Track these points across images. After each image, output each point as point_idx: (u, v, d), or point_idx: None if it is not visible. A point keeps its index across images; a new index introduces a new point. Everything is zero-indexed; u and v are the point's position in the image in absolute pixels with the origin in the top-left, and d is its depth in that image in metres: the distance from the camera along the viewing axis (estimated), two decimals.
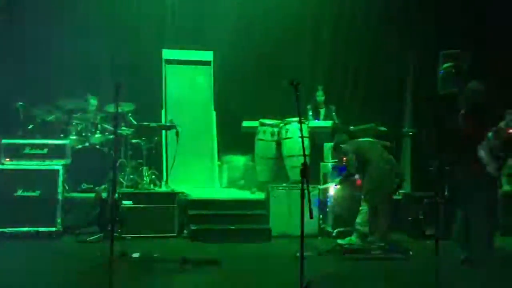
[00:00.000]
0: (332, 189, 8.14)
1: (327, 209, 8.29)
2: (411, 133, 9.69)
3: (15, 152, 7.76)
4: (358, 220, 7.49)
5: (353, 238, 7.48)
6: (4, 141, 7.79)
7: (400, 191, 8.48)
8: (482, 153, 6.27)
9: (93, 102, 9.26)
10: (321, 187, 8.21)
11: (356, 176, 7.83)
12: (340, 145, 7.82)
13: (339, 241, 7.53)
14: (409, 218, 8.54)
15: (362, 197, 7.51)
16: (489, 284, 5.85)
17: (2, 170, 7.63)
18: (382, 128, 9.09)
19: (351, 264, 6.63)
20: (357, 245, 7.30)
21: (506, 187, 9.04)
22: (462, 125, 6.31)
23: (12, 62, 9.45)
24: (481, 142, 6.30)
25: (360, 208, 7.50)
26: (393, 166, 7.62)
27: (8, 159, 7.72)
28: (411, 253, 6.85)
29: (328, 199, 8.26)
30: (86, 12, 10.12)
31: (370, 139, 7.94)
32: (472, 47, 9.35)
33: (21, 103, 8.58)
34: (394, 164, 7.73)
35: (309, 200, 4.30)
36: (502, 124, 6.28)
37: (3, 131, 8.48)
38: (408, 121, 10.76)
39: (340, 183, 8.03)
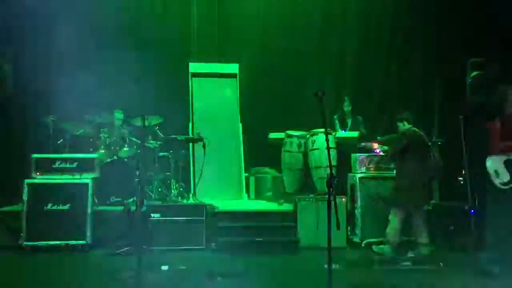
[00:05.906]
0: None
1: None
2: (439, 143, 9.56)
3: (46, 167, 7.88)
4: (387, 230, 7.40)
5: (385, 248, 7.39)
6: (34, 155, 7.92)
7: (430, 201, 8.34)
8: (494, 164, 6.21)
9: (119, 116, 9.35)
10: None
11: None
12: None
13: (374, 247, 7.47)
14: (439, 230, 8.42)
15: (391, 204, 7.42)
16: None
17: (33, 184, 7.75)
18: None
19: (380, 276, 6.55)
20: (388, 256, 7.22)
21: None
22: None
23: (40, 77, 9.64)
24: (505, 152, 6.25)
25: (389, 218, 7.40)
26: (428, 167, 7.50)
27: (38, 173, 7.85)
28: (441, 264, 6.75)
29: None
30: (113, 27, 10.29)
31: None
32: (500, 55, 9.24)
33: (51, 118, 8.73)
34: (431, 166, 7.61)
35: (336, 211, 4.27)
36: None
37: (33, 146, 8.61)
38: (436, 130, 10.63)
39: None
